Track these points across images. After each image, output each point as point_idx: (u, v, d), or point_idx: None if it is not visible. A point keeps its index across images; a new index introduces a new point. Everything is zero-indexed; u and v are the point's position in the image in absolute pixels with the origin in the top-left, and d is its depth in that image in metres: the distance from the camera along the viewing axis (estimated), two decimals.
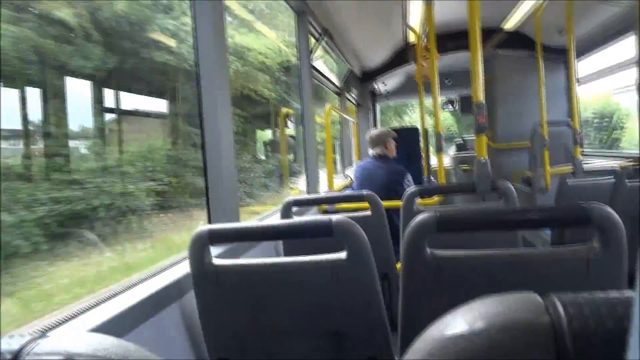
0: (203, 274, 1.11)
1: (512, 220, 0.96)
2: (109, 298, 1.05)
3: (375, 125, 6.34)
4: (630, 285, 0.24)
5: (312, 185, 3.00)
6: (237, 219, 1.59)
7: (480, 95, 1.67)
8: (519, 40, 4.93)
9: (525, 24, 4.55)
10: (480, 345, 0.29)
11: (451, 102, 6.97)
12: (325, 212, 2.66)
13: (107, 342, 0.38)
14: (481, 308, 0.31)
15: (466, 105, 6.40)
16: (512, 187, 1.66)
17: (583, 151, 2.99)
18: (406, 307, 1.00)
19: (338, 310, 1.06)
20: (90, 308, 0.99)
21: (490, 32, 4.78)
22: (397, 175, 2.92)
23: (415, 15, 3.93)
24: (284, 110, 3.48)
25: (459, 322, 0.31)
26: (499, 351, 0.28)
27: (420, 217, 0.96)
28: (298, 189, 3.00)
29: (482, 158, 1.73)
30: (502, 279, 0.94)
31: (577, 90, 3.07)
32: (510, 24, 4.62)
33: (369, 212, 1.90)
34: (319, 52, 3.57)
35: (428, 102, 4.53)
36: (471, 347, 0.29)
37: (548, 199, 3.42)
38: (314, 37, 3.28)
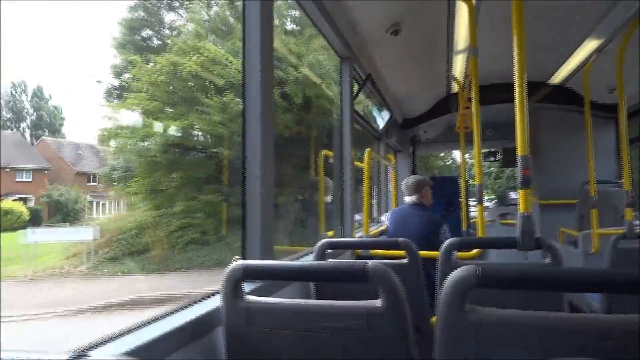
0: (235, 311, 1.11)
1: (562, 281, 0.89)
2: (145, 324, 1.06)
3: (414, 172, 6.29)
4: None
5: (347, 228, 2.97)
6: (272, 256, 1.58)
7: (526, 148, 1.63)
8: (564, 94, 4.83)
9: (571, 79, 4.48)
10: None
11: (493, 154, 6.84)
12: (359, 257, 2.61)
13: None
14: None
15: (508, 158, 6.25)
16: (559, 246, 1.58)
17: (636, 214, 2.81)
18: None
19: None
20: (127, 332, 1.00)
21: (534, 86, 4.72)
22: (433, 225, 2.85)
23: (459, 66, 3.96)
24: (324, 152, 3.50)
25: None
26: None
27: (460, 270, 0.92)
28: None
29: (526, 212, 1.65)
30: (546, 344, 0.87)
31: (628, 150, 2.92)
32: (556, 78, 4.56)
33: (404, 260, 1.84)
34: (360, 96, 3.63)
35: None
36: None
37: (594, 262, 3.21)
38: (357, 82, 3.35)
